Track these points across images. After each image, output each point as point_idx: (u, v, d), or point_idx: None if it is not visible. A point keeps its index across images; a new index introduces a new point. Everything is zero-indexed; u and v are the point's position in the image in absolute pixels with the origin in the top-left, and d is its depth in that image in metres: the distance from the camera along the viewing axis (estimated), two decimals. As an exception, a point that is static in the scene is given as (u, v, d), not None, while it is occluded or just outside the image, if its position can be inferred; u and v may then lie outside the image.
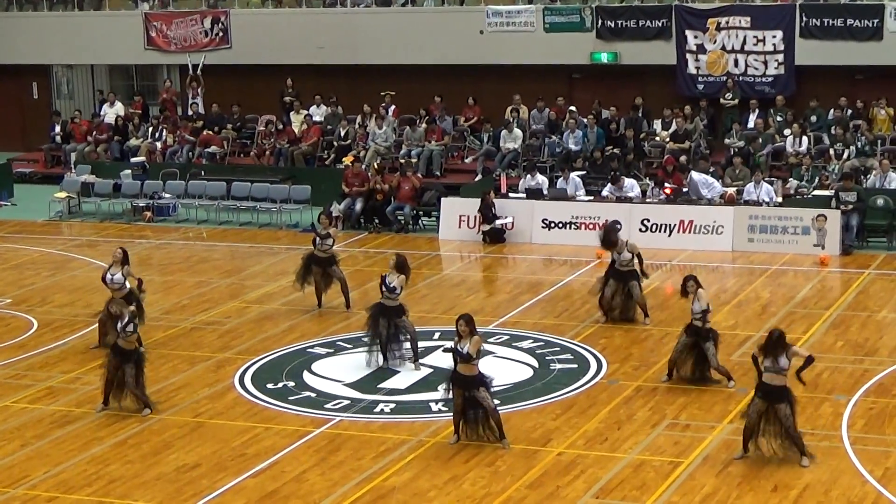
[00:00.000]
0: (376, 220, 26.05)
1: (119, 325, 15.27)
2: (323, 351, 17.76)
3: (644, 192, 24.96)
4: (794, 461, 13.17)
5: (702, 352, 15.53)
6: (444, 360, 16.88)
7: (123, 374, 15.16)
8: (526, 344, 17.52)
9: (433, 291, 20.86)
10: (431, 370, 16.64)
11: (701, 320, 15.47)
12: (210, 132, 31.27)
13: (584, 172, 26.72)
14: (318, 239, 19.50)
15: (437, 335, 17.66)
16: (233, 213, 27.74)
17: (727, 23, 29.02)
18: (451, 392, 13.96)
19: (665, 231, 23.26)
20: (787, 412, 12.99)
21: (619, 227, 19.77)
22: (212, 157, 30.77)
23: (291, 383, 16.35)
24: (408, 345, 16.76)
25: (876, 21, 27.98)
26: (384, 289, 16.52)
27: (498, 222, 24.44)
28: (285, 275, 22.51)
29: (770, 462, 13.24)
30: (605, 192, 25.01)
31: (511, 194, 25.57)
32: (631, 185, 24.92)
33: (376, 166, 26.85)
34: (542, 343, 17.71)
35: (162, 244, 25.26)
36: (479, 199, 24.59)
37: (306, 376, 16.62)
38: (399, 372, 16.61)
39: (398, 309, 16.63)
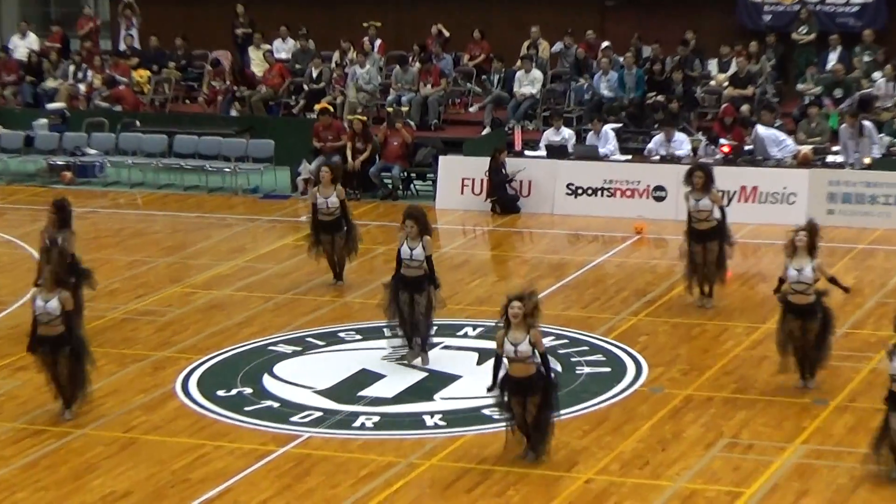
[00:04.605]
0: (355, 184, 25.97)
1: (37, 303, 15.08)
2: (288, 349, 17.67)
3: (695, 151, 24.86)
4: None
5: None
6: (443, 362, 16.85)
7: (57, 367, 15.10)
8: (546, 341, 17.32)
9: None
10: (426, 374, 16.60)
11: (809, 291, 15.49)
12: (125, 86, 30.81)
13: (620, 125, 26.59)
14: (319, 200, 19.59)
15: (432, 330, 17.54)
16: (175, 173, 27.62)
17: (801, -64, 28.94)
18: (504, 398, 13.78)
19: (722, 199, 23.13)
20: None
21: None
22: (110, 114, 30.06)
23: (248, 390, 16.28)
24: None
25: None
26: (407, 258, 16.47)
27: (511, 183, 24.42)
28: (241, 253, 22.44)
29: (859, 489, 13.16)
30: (651, 147, 24.91)
31: (527, 152, 25.47)
32: (680, 142, 24.83)
33: (361, 119, 26.63)
34: (566, 340, 17.64)
35: (86, 213, 25.11)
36: (489, 159, 24.49)
37: (267, 381, 16.55)
38: (385, 376, 16.53)
39: (419, 282, 16.57)
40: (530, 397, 13.67)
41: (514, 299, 13.58)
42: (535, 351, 13.61)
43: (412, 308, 16.60)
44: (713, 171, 18.82)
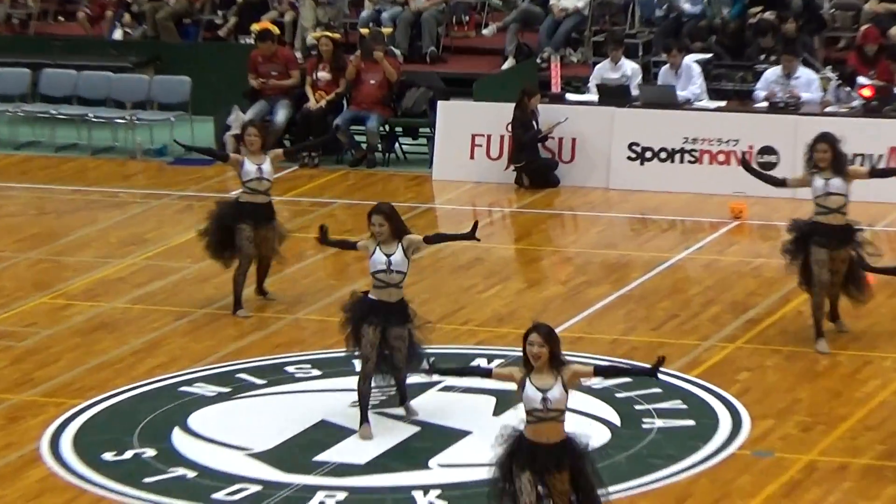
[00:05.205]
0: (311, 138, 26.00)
1: None
2: (211, 391, 17.73)
3: (823, 93, 24.83)
4: None
5: None
6: (443, 411, 16.84)
7: None
8: (595, 381, 17.34)
9: (424, 278, 20.83)
10: (418, 429, 16.66)
11: None
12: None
13: (710, 56, 26.56)
14: (247, 166, 19.46)
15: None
16: (44, 125, 27.78)
17: None
18: (515, 478, 13.55)
19: (862, 166, 23.15)
20: None
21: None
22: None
23: (150, 452, 16.29)
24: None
25: None
26: (383, 269, 16.48)
27: (545, 142, 24.61)
28: (141, 245, 22.45)
29: None
30: (761, 87, 24.92)
31: (570, 95, 25.54)
32: (808, 81, 24.82)
33: (332, 36, 26.75)
34: (627, 379, 17.62)
35: None
36: (512, 106, 24.54)
37: (179, 439, 16.59)
38: (356, 432, 16.51)
39: (399, 310, 16.60)
40: (556, 474, 13.37)
41: (533, 332, 13.12)
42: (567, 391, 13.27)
43: (385, 349, 16.49)
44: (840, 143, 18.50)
